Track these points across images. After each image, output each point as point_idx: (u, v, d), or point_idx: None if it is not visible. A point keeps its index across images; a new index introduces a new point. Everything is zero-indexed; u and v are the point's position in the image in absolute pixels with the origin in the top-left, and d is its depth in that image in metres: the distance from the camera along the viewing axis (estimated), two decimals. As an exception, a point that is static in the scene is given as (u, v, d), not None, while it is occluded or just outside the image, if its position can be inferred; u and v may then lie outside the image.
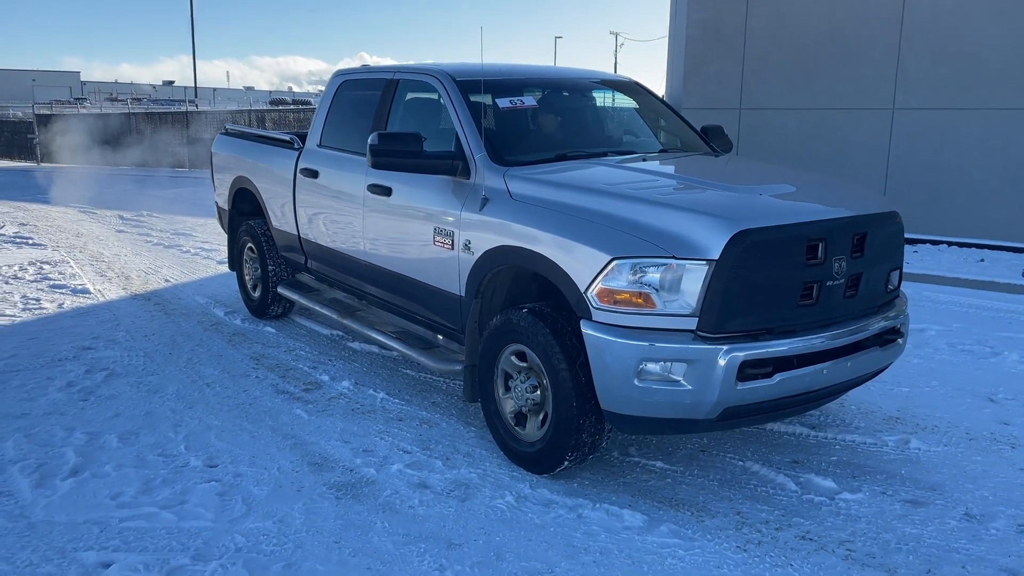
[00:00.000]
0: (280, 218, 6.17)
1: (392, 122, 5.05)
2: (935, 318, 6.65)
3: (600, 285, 3.41)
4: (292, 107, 26.04)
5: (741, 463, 4.02)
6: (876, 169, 10.14)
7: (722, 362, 3.27)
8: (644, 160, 4.61)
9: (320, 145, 5.66)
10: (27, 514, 3.53)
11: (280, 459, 4.06)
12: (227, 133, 7.21)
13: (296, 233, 5.95)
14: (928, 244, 9.61)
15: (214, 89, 63.95)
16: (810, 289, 3.50)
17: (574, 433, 3.59)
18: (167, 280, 8.20)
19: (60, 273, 8.48)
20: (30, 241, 10.59)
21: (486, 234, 4.01)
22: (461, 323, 4.33)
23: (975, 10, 9.34)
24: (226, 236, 7.14)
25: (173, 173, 23.34)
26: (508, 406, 4.01)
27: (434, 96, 4.82)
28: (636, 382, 3.34)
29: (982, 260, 8.85)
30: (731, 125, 11.21)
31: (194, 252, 9.76)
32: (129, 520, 3.47)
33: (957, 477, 3.87)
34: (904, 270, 4.27)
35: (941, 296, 7.48)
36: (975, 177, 9.51)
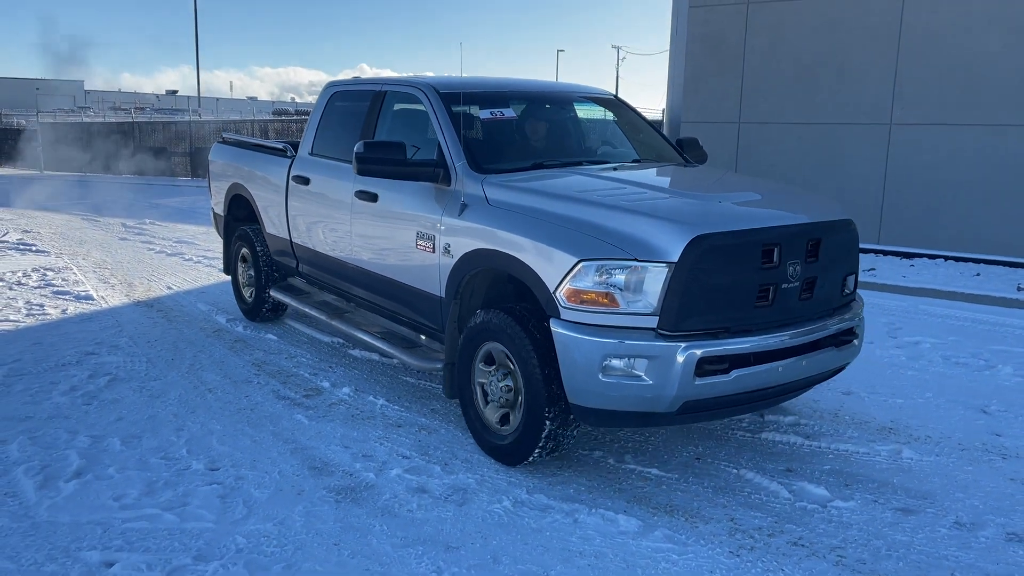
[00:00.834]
0: (273, 224, 6.37)
1: (379, 131, 5.26)
2: (930, 331, 6.71)
3: (568, 285, 3.60)
4: (295, 117, 26.15)
5: (735, 471, 4.07)
6: (874, 183, 10.23)
7: (680, 358, 3.45)
8: (616, 169, 4.81)
9: (312, 153, 5.88)
10: (31, 514, 3.58)
11: (281, 463, 4.12)
12: (224, 142, 7.45)
13: (288, 238, 6.16)
14: (925, 258, 9.68)
15: (217, 99, 64.10)
16: (766, 291, 3.69)
17: (544, 426, 3.80)
18: (169, 287, 8.27)
19: (64, 279, 8.55)
20: (34, 248, 10.67)
21: (464, 238, 4.21)
22: (442, 323, 4.52)
23: (972, 29, 9.46)
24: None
25: (176, 182, 23.45)
26: (484, 401, 4.21)
27: (419, 107, 5.01)
28: (601, 377, 3.52)
29: (978, 274, 8.92)
30: (730, 139, 11.33)
31: (196, 260, 9.83)
32: (132, 521, 3.52)
33: (948, 486, 3.92)
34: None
35: (937, 309, 7.54)
36: (971, 192, 9.60)
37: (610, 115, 5.72)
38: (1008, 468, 4.14)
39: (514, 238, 3.89)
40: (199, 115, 31.60)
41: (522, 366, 3.85)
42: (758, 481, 3.95)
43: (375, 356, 5.86)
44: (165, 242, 11.32)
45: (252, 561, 3.22)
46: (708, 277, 3.51)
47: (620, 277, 3.51)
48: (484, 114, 4.93)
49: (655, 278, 3.47)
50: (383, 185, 4.84)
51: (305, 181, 5.79)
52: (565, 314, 3.62)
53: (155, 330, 6.60)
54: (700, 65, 11.53)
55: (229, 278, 7.44)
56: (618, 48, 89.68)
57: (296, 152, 6.11)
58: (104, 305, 7.48)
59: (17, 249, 10.52)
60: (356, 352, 5.99)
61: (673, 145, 5.62)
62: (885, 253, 10.04)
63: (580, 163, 4.91)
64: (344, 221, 5.30)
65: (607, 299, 3.53)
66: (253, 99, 73.35)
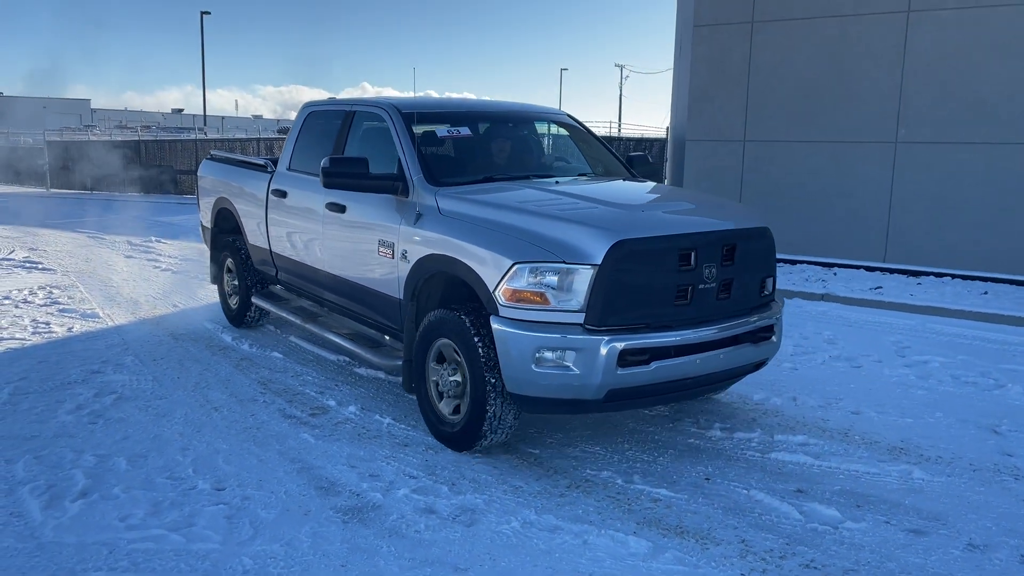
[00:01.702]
0: (255, 235, 6.76)
1: (349, 148, 5.63)
2: (939, 350, 6.68)
3: (505, 285, 4.02)
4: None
5: (745, 491, 4.04)
6: (880, 202, 10.22)
7: (603, 351, 3.86)
8: (559, 184, 5.14)
9: (289, 168, 6.29)
10: (37, 535, 3.56)
11: (287, 483, 4.09)
12: (212, 158, 7.80)
13: (268, 248, 6.55)
14: (932, 276, 9.65)
15: (223, 117, 64.41)
16: (685, 291, 4.10)
17: (487, 412, 4.20)
18: (175, 305, 8.27)
19: (69, 297, 8.56)
20: (40, 266, 10.69)
21: (419, 245, 4.62)
22: (402, 323, 4.89)
23: (975, 49, 9.48)
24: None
25: (181, 200, 23.53)
26: (438, 396, 4.59)
27: (384, 125, 5.36)
28: (535, 368, 3.94)
29: (986, 292, 8.88)
30: (735, 157, 11.35)
31: (202, 278, 9.81)
32: (138, 542, 3.49)
33: (960, 507, 3.89)
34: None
35: (945, 328, 7.51)
36: (978, 210, 9.58)
37: (563, 133, 6.15)
38: (1020, 489, 4.10)
39: (460, 243, 4.31)
40: (205, 133, 31.82)
41: (467, 359, 4.25)
42: (768, 502, 3.92)
43: (380, 375, 5.85)
44: (171, 260, 11.34)
45: (259, 583, 3.19)
46: (629, 277, 3.93)
47: (551, 278, 3.93)
48: (442, 132, 5.38)
49: (582, 279, 3.88)
50: (351, 197, 5.22)
51: (283, 195, 6.20)
52: (503, 311, 4.04)
53: (161, 348, 6.59)
54: (705, 84, 11.57)
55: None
56: (621, 67, 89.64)
57: (276, 168, 6.49)
58: (110, 323, 7.48)
59: (23, 267, 10.54)
60: (362, 371, 5.97)
61: (622, 161, 5.98)
62: (892, 271, 10.01)
63: (528, 177, 5.24)
64: (317, 231, 5.70)
65: (540, 297, 3.95)
66: (259, 117, 73.67)
